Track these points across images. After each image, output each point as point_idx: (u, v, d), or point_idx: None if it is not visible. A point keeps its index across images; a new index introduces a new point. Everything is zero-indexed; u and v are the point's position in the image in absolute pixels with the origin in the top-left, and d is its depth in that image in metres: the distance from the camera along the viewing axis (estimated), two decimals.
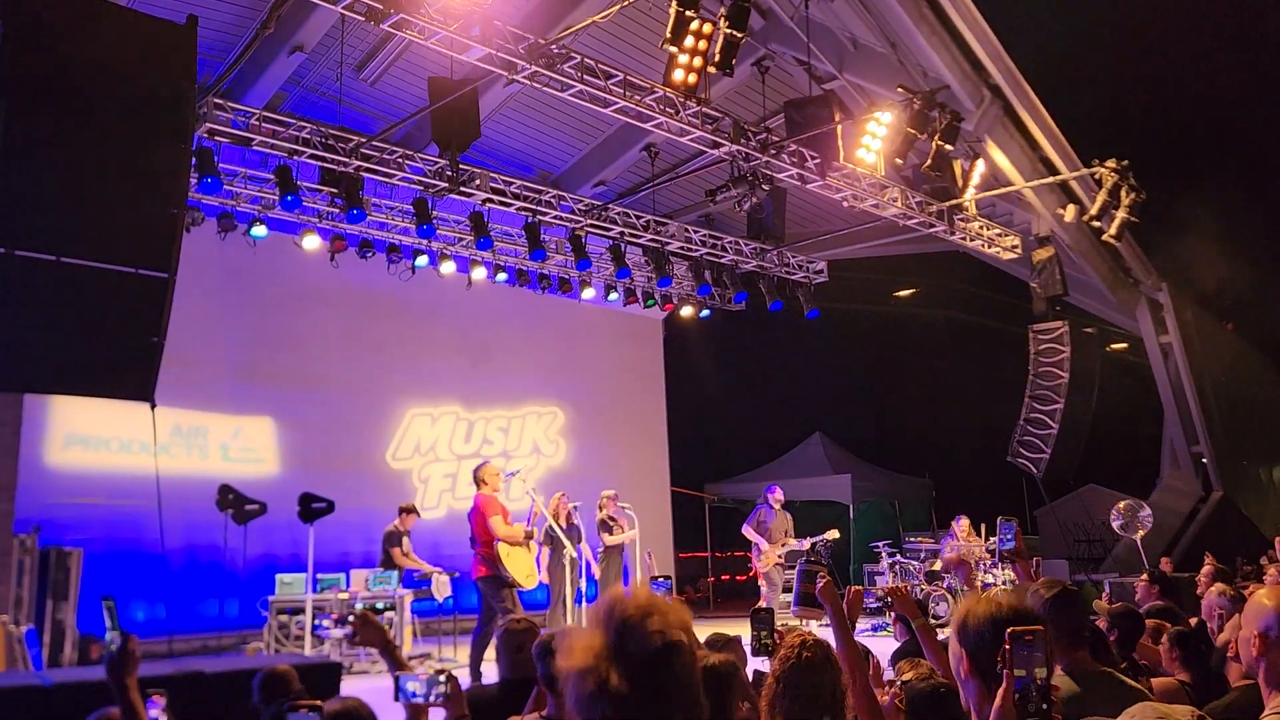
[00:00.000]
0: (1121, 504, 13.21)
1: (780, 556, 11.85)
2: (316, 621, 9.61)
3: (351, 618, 3.54)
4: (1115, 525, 13.18)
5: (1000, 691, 1.95)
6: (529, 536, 9.12)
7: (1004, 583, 11.74)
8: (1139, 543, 12.76)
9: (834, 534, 12.42)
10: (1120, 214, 12.29)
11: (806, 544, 12.30)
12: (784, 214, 12.78)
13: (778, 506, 12.22)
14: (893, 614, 4.57)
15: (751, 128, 11.10)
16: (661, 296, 15.20)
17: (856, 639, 3.45)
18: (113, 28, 6.35)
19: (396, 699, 2.85)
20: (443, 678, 2.82)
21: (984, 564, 12.84)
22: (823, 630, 3.78)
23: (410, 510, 11.25)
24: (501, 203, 12.02)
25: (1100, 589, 10.76)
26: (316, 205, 11.53)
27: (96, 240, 6.10)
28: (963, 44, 11.62)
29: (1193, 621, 5.34)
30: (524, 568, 8.99)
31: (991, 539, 12.78)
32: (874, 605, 4.33)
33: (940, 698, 3.17)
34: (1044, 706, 1.91)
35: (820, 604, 3.42)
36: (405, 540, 11.00)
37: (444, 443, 14.49)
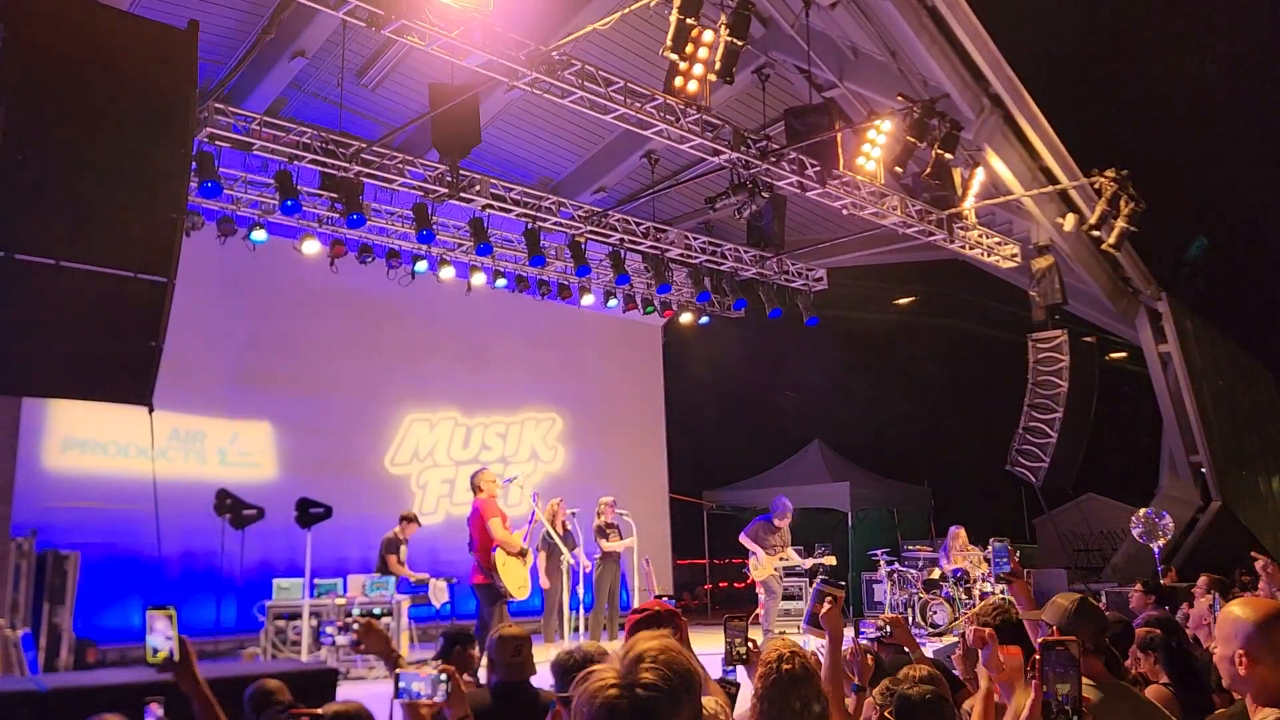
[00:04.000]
0: (1141, 512, 13.16)
1: (777, 570, 11.76)
2: (320, 628, 9.61)
3: (355, 625, 3.54)
4: (1135, 533, 13.11)
5: (1029, 702, 1.96)
6: (523, 553, 9.12)
7: (1001, 591, 11.72)
8: (1155, 551, 12.74)
9: (831, 560, 12.35)
10: (1119, 223, 12.30)
11: (808, 563, 12.27)
12: (784, 221, 12.78)
13: (781, 525, 11.93)
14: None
15: (752, 135, 11.12)
16: (661, 303, 15.21)
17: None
18: (114, 32, 6.35)
19: (397, 696, 2.86)
20: (444, 676, 2.83)
21: (984, 574, 12.85)
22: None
23: (411, 519, 11.22)
24: (501, 208, 12.03)
25: (1097, 599, 10.74)
26: (316, 210, 11.55)
27: (96, 244, 6.10)
28: (962, 53, 11.65)
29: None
30: (518, 578, 9.00)
31: (989, 549, 12.76)
32: (875, 635, 4.33)
33: (932, 704, 3.13)
34: (1074, 718, 1.90)
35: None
36: (403, 549, 10.98)
37: (442, 448, 14.47)
